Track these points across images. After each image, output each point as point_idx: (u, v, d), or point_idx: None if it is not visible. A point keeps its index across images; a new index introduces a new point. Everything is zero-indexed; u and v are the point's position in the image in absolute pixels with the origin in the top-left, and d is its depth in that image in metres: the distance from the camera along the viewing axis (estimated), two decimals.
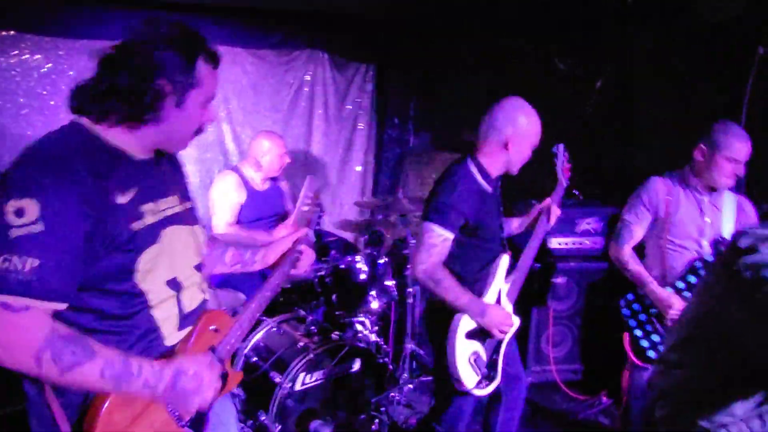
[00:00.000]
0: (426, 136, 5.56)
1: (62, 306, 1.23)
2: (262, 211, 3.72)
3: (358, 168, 5.19)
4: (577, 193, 4.09)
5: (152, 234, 1.37)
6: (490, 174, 2.35)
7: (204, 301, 1.57)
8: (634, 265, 2.81)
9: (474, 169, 2.32)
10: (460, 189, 2.25)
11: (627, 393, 2.92)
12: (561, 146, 2.60)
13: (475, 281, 2.34)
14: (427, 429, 2.51)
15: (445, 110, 5.25)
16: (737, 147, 2.62)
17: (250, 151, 3.71)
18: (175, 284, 1.44)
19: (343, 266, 3.30)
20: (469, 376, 2.23)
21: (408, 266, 3.60)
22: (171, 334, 1.45)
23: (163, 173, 1.49)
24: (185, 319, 1.48)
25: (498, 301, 2.37)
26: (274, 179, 3.90)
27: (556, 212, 2.57)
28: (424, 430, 3.20)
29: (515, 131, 2.28)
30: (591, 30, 3.99)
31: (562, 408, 3.69)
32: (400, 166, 5.57)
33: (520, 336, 3.81)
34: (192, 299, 1.51)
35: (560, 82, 4.28)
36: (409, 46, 4.91)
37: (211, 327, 1.55)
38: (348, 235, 4.95)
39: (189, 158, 4.22)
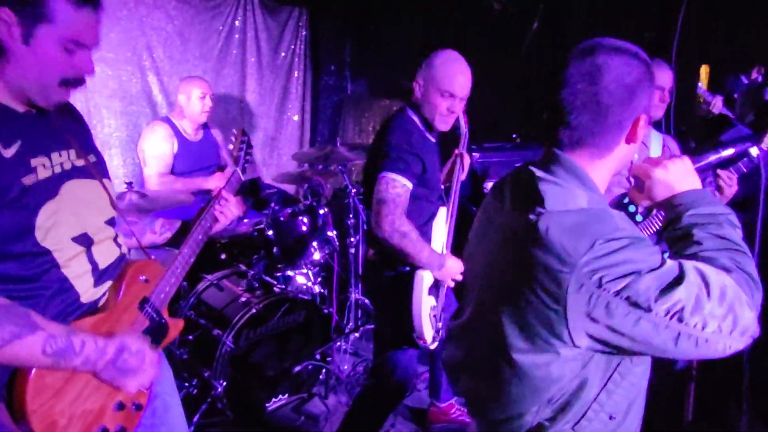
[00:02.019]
0: (363, 83, 5.46)
1: None
2: (197, 161, 3.59)
3: (296, 117, 5.06)
4: (515, 136, 4.13)
5: (48, 189, 1.28)
6: (430, 123, 2.28)
7: (122, 255, 1.50)
8: None
9: (416, 118, 2.25)
10: (413, 134, 2.18)
11: None
12: None
13: (422, 235, 2.26)
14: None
15: (382, 55, 5.13)
16: (663, 74, 2.67)
17: (176, 100, 3.56)
18: (84, 239, 1.37)
19: (283, 218, 3.24)
20: (429, 332, 2.22)
21: (350, 217, 3.56)
22: (87, 291, 1.38)
23: (54, 126, 1.37)
24: (102, 275, 1.42)
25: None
26: (207, 129, 3.75)
27: (467, 160, 2.56)
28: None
29: (424, 73, 2.22)
30: None
31: None
32: (338, 114, 5.46)
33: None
34: (106, 254, 1.44)
35: (496, 23, 4.23)
36: None
37: (141, 277, 1.50)
38: (288, 187, 4.86)
39: (113, 111, 4.01)
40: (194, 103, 3.49)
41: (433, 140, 2.30)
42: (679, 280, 1.00)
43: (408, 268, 2.19)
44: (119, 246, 1.52)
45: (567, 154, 1.15)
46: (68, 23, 1.23)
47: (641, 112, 1.13)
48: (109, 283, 1.44)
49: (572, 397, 1.13)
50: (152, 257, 1.65)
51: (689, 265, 1.04)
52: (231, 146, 2.04)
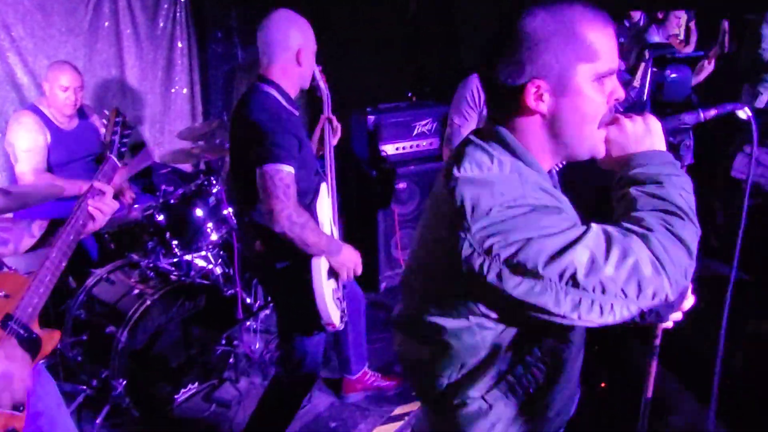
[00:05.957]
0: (254, 49, 5.22)
1: None
2: (73, 152, 3.33)
3: (185, 91, 4.78)
4: (410, 95, 4.09)
5: None
6: (291, 95, 2.17)
7: None
8: None
9: (276, 93, 2.11)
10: (280, 114, 2.04)
11: None
12: None
13: None
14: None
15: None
16: None
17: (45, 86, 3.27)
18: None
19: (173, 201, 3.07)
20: (335, 315, 2.16)
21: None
22: None
23: None
24: None
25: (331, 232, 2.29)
26: (83, 115, 3.47)
27: (336, 123, 2.47)
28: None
29: (304, 42, 2.14)
30: None
31: None
32: (231, 84, 5.22)
33: (370, 245, 3.88)
34: None
35: None
36: None
37: (0, 293, 1.36)
38: (185, 166, 4.62)
39: None
40: (57, 94, 3.20)
41: (297, 113, 2.18)
42: (573, 243, 0.94)
43: (300, 257, 2.08)
44: None
45: None
46: None
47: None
48: None
49: (484, 366, 1.10)
50: (12, 268, 1.51)
51: (597, 228, 0.98)
52: (103, 130, 1.88)
